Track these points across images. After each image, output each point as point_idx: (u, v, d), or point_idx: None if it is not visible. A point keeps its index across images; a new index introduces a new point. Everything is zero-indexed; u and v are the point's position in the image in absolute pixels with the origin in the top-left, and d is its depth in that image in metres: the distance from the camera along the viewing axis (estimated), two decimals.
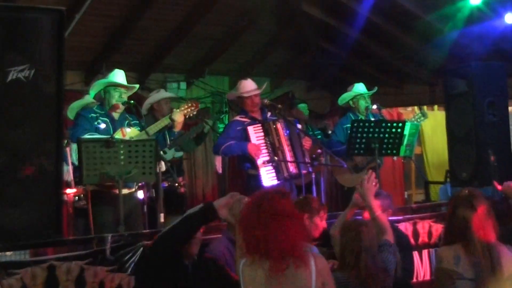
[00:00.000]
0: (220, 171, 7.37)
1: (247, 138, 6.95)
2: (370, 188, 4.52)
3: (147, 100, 7.76)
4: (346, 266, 4.08)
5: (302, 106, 9.72)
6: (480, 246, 3.96)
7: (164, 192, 6.07)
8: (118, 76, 6.38)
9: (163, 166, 5.85)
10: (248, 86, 7.16)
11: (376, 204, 4.55)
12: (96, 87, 6.40)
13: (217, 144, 7.20)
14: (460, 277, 3.93)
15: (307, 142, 7.25)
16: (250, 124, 7.04)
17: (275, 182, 6.83)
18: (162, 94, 7.87)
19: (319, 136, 8.87)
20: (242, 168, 7.15)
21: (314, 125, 10.04)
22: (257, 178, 6.87)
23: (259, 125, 7.03)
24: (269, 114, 7.20)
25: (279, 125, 7.05)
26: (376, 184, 4.61)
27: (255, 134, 6.97)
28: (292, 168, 6.92)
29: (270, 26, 10.16)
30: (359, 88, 7.95)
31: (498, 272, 3.94)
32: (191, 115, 6.82)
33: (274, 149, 6.93)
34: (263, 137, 6.97)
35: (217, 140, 7.33)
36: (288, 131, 7.05)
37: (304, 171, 6.92)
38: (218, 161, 7.36)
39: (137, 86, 6.66)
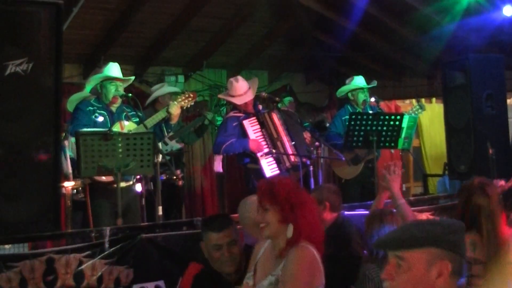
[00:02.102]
0: (220, 170, 7.32)
1: (244, 133, 6.91)
2: (395, 177, 4.54)
3: (154, 93, 7.79)
4: (375, 257, 4.04)
5: (288, 99, 9.73)
6: (492, 231, 4.02)
7: (162, 185, 6.08)
8: (113, 69, 6.36)
9: (160, 158, 5.86)
10: (240, 89, 7.01)
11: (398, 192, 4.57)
12: (91, 82, 6.39)
13: (217, 144, 7.06)
14: (478, 262, 3.99)
15: (306, 135, 7.24)
16: (245, 118, 6.99)
17: (277, 172, 6.81)
18: (168, 88, 7.89)
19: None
20: (241, 163, 7.11)
21: (312, 118, 10.03)
22: (257, 171, 6.83)
23: (254, 118, 7.00)
24: (260, 107, 7.16)
25: (274, 115, 7.01)
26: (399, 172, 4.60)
27: (252, 127, 6.93)
28: (293, 157, 6.85)
29: (267, 19, 10.15)
30: (358, 81, 7.94)
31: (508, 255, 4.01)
32: (188, 106, 6.82)
33: (272, 140, 6.90)
34: (259, 130, 6.94)
35: (216, 139, 7.19)
36: (283, 121, 7.02)
37: (304, 159, 6.85)
38: (218, 160, 7.30)
39: (133, 78, 6.66)
